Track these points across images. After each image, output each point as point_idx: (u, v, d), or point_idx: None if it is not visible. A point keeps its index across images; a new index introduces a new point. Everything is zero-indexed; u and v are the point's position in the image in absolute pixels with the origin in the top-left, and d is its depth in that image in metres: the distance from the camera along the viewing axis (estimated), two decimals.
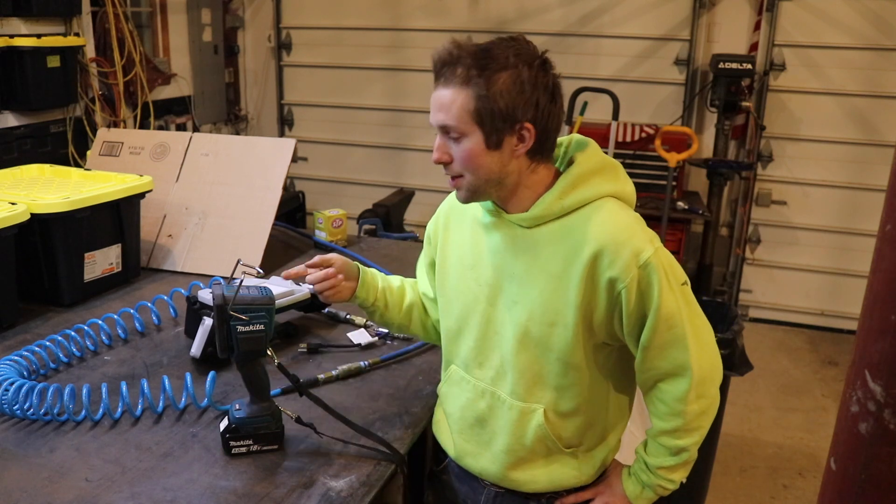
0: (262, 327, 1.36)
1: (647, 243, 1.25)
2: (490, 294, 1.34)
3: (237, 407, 1.43)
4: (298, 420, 1.44)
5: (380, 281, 1.53)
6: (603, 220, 1.26)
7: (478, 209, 1.38)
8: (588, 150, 1.33)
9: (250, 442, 1.41)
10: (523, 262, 1.30)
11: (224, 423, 1.44)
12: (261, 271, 1.44)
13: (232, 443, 1.41)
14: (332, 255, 1.48)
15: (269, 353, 1.39)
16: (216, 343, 1.39)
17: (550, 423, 1.33)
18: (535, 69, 1.21)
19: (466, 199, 1.31)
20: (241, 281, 1.38)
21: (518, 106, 1.21)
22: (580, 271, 1.24)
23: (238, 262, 1.39)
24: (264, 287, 1.43)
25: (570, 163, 1.32)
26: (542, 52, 1.24)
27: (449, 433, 1.47)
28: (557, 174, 1.31)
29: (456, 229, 1.43)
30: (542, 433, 1.33)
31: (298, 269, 1.46)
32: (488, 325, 1.35)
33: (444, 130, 1.26)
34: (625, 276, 1.23)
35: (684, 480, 1.39)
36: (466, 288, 1.38)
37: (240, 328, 1.35)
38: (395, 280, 1.58)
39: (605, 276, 1.24)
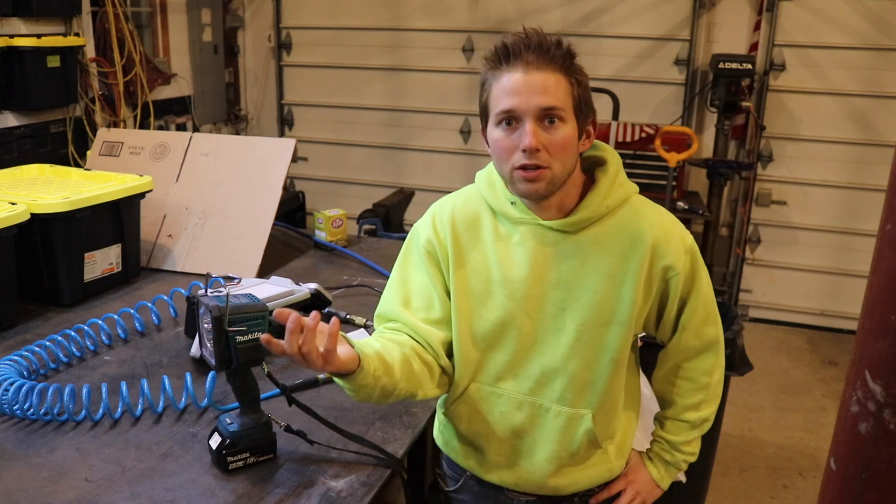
0: (259, 335, 1.31)
1: (684, 229, 1.30)
2: (529, 307, 1.28)
3: (228, 421, 1.39)
4: (288, 428, 1.41)
5: (366, 347, 1.21)
6: (647, 213, 1.29)
7: (492, 221, 1.30)
8: (609, 149, 1.34)
9: (247, 455, 1.38)
10: (568, 267, 1.26)
11: (215, 440, 1.39)
12: (221, 279, 1.39)
13: (229, 458, 1.36)
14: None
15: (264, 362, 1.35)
16: (214, 357, 1.33)
17: (598, 426, 1.31)
18: None
19: (545, 193, 1.21)
20: (228, 292, 1.32)
21: (591, 99, 1.24)
22: (637, 267, 1.25)
23: (208, 274, 1.39)
24: (248, 293, 1.38)
25: (598, 162, 1.32)
26: None
27: (471, 451, 1.40)
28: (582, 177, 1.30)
29: (471, 246, 1.31)
30: (591, 437, 1.31)
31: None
32: (526, 337, 1.29)
33: (544, 114, 1.17)
34: (676, 262, 1.26)
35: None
36: (498, 305, 1.28)
37: (238, 338, 1.30)
38: (372, 340, 1.27)
39: (659, 266, 1.26)
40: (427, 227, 1.35)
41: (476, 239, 1.31)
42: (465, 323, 1.31)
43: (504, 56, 1.19)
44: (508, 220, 1.29)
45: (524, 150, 1.17)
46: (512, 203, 1.28)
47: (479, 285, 1.30)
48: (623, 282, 1.25)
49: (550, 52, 1.18)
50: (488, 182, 1.32)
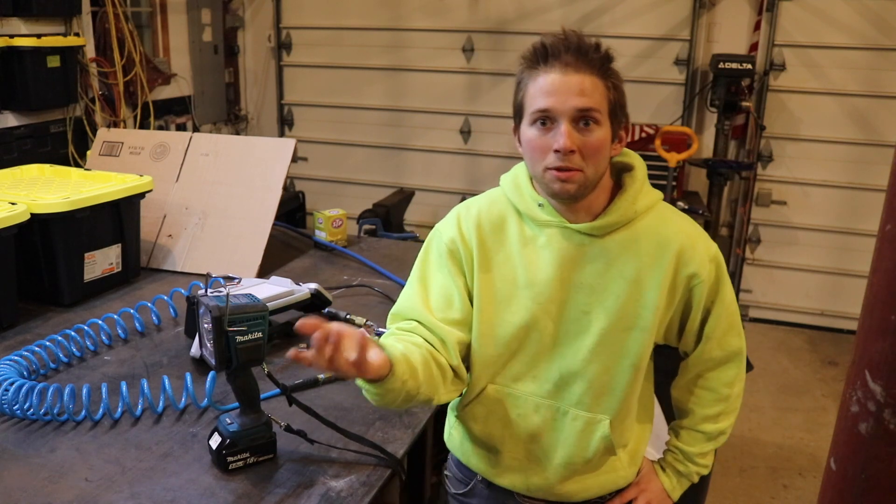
0: (260, 335, 1.32)
1: (709, 239, 1.30)
2: (553, 310, 1.27)
3: (228, 421, 1.39)
4: (288, 428, 1.41)
5: (394, 349, 1.17)
6: (674, 221, 1.30)
7: (518, 224, 1.30)
8: (635, 155, 1.33)
9: (247, 455, 1.38)
10: (593, 270, 1.26)
11: (215, 440, 1.39)
12: (221, 279, 1.40)
13: (229, 458, 1.37)
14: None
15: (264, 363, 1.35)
16: (214, 357, 1.33)
17: (614, 432, 1.31)
18: None
19: (577, 194, 1.21)
20: (228, 292, 1.33)
21: (626, 104, 1.24)
22: (662, 273, 1.25)
23: (208, 274, 1.39)
24: (248, 293, 1.39)
25: (624, 168, 1.31)
26: None
27: (484, 453, 1.39)
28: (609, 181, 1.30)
29: (497, 249, 1.30)
30: (607, 443, 1.30)
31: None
32: (548, 340, 1.28)
33: (579, 116, 1.17)
34: (702, 270, 1.26)
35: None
36: (523, 308, 1.28)
37: (239, 338, 1.31)
38: (395, 342, 1.23)
39: (684, 273, 1.26)
40: (451, 226, 1.33)
41: (501, 242, 1.30)
42: (486, 326, 1.30)
43: (542, 56, 1.19)
44: (535, 223, 1.28)
45: (557, 151, 1.17)
46: (539, 205, 1.27)
47: (503, 288, 1.29)
48: (647, 287, 1.25)
49: (589, 55, 1.17)
50: (514, 184, 1.32)
